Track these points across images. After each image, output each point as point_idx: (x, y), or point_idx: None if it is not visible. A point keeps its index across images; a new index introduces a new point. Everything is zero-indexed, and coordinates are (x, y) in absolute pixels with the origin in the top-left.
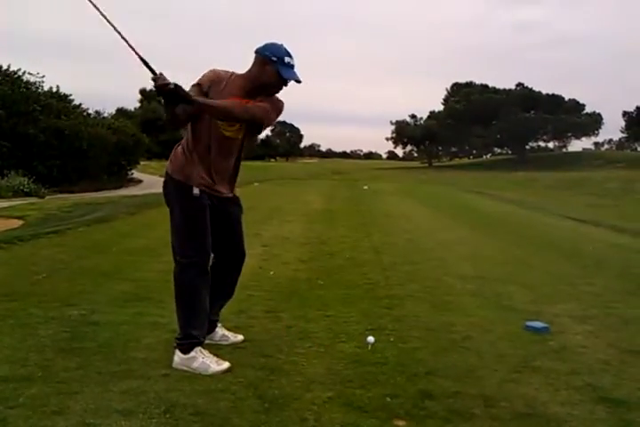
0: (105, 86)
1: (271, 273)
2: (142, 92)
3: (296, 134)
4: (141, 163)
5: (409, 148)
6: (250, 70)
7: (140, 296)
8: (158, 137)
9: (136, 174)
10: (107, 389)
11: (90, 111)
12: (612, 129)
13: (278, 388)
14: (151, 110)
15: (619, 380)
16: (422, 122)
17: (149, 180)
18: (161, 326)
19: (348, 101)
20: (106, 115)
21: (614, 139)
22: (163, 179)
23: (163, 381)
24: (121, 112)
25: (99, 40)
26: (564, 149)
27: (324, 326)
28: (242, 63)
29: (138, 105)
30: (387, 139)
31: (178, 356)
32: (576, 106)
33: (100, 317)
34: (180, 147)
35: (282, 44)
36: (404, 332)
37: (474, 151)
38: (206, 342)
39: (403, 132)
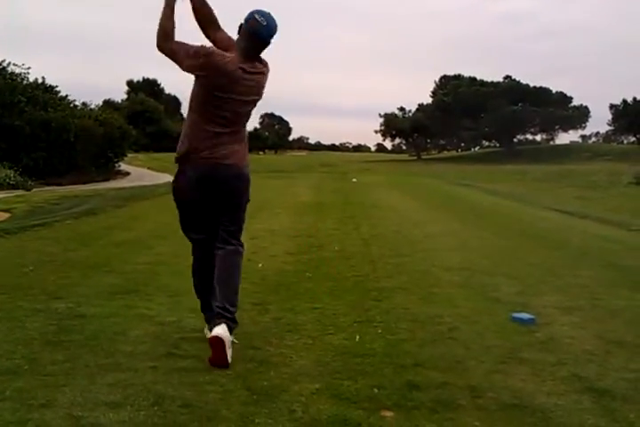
0: (92, 78)
1: (260, 265)
2: (129, 83)
3: (285, 127)
4: (129, 155)
5: (398, 140)
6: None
7: (128, 289)
8: (146, 129)
9: (123, 166)
10: (94, 381)
11: (77, 103)
12: (600, 122)
13: (267, 380)
14: (138, 102)
15: (604, 370)
16: (411, 114)
17: (137, 172)
18: (148, 319)
19: (337, 94)
20: (93, 106)
21: (601, 131)
22: (150, 171)
23: (150, 373)
24: (108, 104)
25: (86, 31)
26: (552, 142)
27: (312, 318)
28: None
29: (125, 97)
30: (375, 131)
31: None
32: (563, 99)
33: (87, 309)
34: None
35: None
36: (391, 324)
37: (462, 144)
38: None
39: (391, 124)
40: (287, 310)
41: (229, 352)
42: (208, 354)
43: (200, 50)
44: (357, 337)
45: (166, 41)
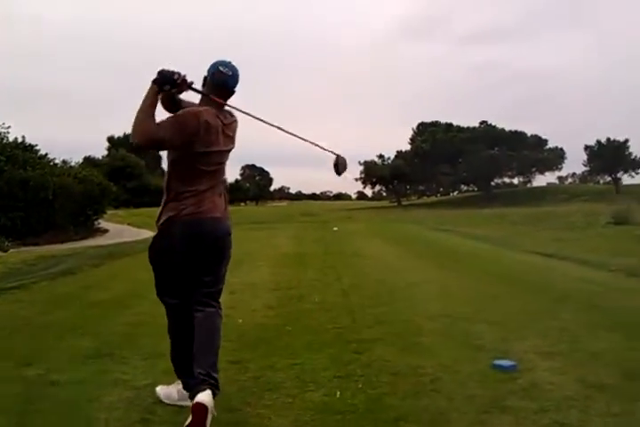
0: (73, 135)
1: (239, 321)
2: (110, 139)
3: (266, 178)
4: (108, 212)
5: (378, 187)
6: None
7: (103, 352)
8: (126, 185)
9: (103, 224)
10: None
11: (57, 161)
12: (575, 163)
13: None
14: (119, 158)
15: (585, 416)
16: (390, 162)
17: (116, 229)
18: (122, 383)
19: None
20: (73, 164)
21: (577, 172)
22: (129, 227)
23: None
24: (88, 161)
25: (71, 90)
26: (529, 185)
27: (292, 374)
28: None
29: (105, 153)
30: (356, 179)
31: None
32: (538, 141)
33: (59, 375)
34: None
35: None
36: (372, 377)
37: (441, 189)
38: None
39: (371, 172)
40: (266, 367)
41: (209, 420)
42: (183, 420)
43: (187, 126)
44: (338, 393)
45: (147, 139)
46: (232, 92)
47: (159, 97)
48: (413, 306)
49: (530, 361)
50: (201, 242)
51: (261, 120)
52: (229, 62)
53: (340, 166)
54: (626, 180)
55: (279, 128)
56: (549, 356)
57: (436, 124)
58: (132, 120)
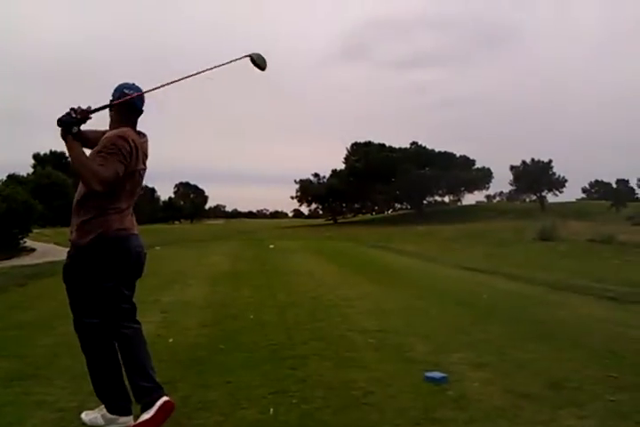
0: None
1: (170, 340)
2: (36, 156)
3: (200, 196)
4: (34, 231)
5: (314, 205)
6: None
7: (27, 374)
8: (53, 203)
9: (29, 243)
10: None
11: None
12: (502, 182)
13: None
14: (45, 175)
15: (513, 425)
16: (325, 180)
17: (43, 248)
18: (47, 405)
19: (253, 162)
20: None
21: (504, 191)
22: (56, 246)
23: None
24: (12, 178)
25: None
26: (459, 203)
27: (224, 392)
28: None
29: (31, 170)
30: (292, 197)
31: None
32: (467, 162)
33: None
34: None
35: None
36: (307, 392)
37: (376, 207)
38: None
39: (307, 190)
40: (198, 386)
41: None
42: None
43: (124, 151)
44: (271, 410)
45: (101, 181)
46: (140, 112)
47: (78, 144)
48: (348, 321)
49: (460, 373)
50: (128, 257)
51: (159, 87)
52: (133, 84)
53: (258, 61)
54: (550, 198)
55: (169, 84)
56: (478, 367)
57: (369, 144)
58: (78, 172)
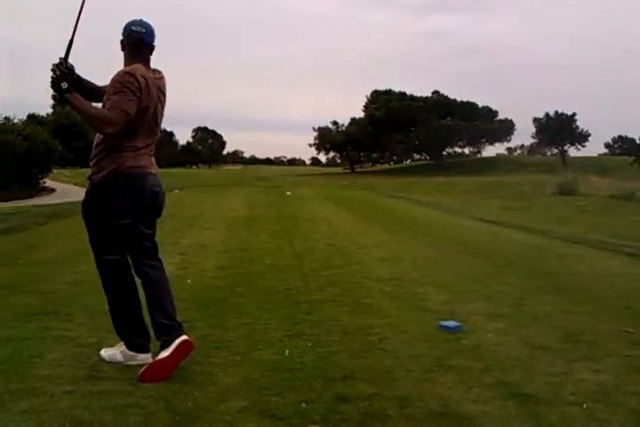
0: (16, 92)
1: (188, 282)
2: (55, 97)
3: (219, 141)
4: (54, 171)
5: (332, 154)
6: None
7: (47, 310)
8: (72, 144)
9: (49, 183)
10: (5, 409)
11: None
12: (524, 135)
13: (191, 400)
14: (64, 116)
15: (528, 375)
16: (344, 128)
17: (63, 188)
18: (67, 341)
19: (271, 108)
20: (16, 121)
21: (526, 144)
22: (75, 187)
23: (67, 398)
24: (33, 118)
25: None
26: (479, 155)
27: (241, 333)
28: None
29: (51, 111)
30: (310, 145)
31: None
32: (489, 113)
33: (1, 332)
34: None
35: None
36: (322, 336)
37: (394, 157)
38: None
39: (325, 138)
40: (216, 326)
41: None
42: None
43: (132, 86)
44: (287, 351)
45: (110, 125)
46: (152, 47)
47: (78, 95)
48: (364, 269)
49: (474, 323)
50: (143, 195)
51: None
52: (140, 20)
53: None
54: (572, 152)
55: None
56: (493, 318)
57: (389, 92)
58: (88, 123)
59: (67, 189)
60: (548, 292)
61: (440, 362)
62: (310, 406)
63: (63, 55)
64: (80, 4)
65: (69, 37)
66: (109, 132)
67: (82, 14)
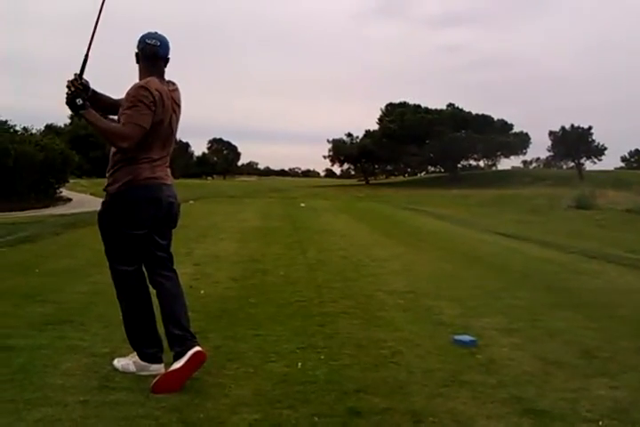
0: (34, 103)
1: (202, 292)
2: (70, 116)
3: (233, 152)
4: (71, 181)
5: (346, 166)
6: None
7: (61, 319)
8: (89, 154)
9: (65, 193)
10: (19, 418)
11: (17, 128)
12: (540, 148)
13: (203, 411)
14: (82, 126)
15: (542, 391)
16: (358, 140)
17: (79, 198)
18: (81, 350)
19: (286, 120)
20: (34, 131)
21: (542, 157)
22: (92, 197)
23: (80, 407)
24: (50, 129)
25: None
26: (494, 168)
27: (254, 345)
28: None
29: (68, 121)
30: (324, 157)
31: None
32: (504, 126)
33: (16, 341)
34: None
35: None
36: (335, 349)
37: (409, 169)
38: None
39: (339, 150)
40: (228, 337)
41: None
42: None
43: (146, 100)
44: (299, 364)
45: (124, 140)
46: (167, 60)
47: (93, 111)
48: (378, 282)
49: (489, 337)
50: (159, 205)
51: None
52: (155, 33)
53: None
54: (588, 166)
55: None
56: (508, 333)
57: (404, 104)
58: (103, 138)
59: (83, 198)
60: (563, 307)
61: (454, 377)
62: (323, 419)
63: (78, 71)
64: (95, 21)
65: (84, 54)
66: (124, 146)
67: (96, 30)
